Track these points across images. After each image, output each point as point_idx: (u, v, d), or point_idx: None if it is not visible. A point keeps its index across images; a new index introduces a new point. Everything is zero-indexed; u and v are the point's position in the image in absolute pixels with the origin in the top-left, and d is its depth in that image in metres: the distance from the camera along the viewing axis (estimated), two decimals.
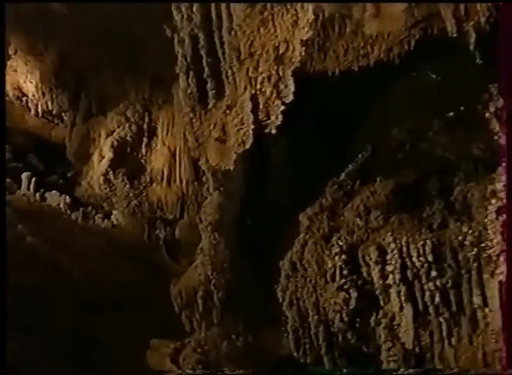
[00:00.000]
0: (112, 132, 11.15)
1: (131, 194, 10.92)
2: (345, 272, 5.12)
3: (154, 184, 10.71)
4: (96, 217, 11.62)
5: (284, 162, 6.72)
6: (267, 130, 4.79)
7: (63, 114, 12.41)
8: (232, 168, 5.72)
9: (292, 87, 4.89)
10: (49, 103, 12.23)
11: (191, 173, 10.48)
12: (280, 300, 5.82)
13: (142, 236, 10.92)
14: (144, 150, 11.04)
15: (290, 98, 4.95)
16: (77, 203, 12.09)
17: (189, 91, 5.99)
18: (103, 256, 9.82)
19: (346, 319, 5.12)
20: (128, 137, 11.04)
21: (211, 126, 5.71)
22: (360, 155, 5.60)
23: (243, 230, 6.77)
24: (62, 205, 11.82)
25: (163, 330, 7.57)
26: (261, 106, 4.92)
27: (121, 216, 11.48)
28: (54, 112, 12.40)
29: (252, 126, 4.94)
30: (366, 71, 5.88)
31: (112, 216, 11.70)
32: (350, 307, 5.00)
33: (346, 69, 6.14)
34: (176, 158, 10.47)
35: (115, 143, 10.94)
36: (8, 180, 11.80)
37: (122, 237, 11.40)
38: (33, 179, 11.77)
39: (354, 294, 5.08)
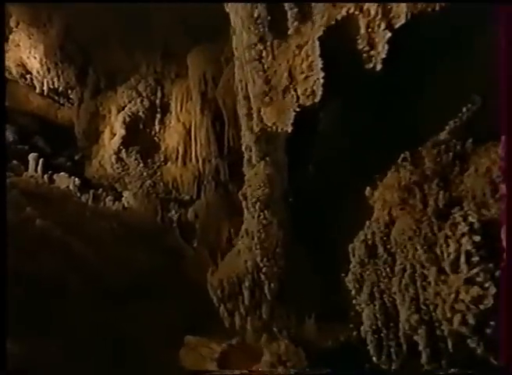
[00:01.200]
0: (123, 108, 10.39)
1: (145, 174, 10.30)
2: (476, 258, 3.80)
3: (168, 163, 10.18)
4: (107, 200, 11.01)
5: (339, 127, 5.70)
6: (370, 65, 3.71)
7: (70, 91, 11.57)
8: (290, 130, 4.71)
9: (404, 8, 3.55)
10: (55, 80, 11.38)
11: (208, 151, 9.92)
12: (353, 292, 4.68)
13: (155, 218, 10.45)
14: (157, 127, 10.37)
15: (402, 20, 3.65)
16: (87, 185, 11.40)
17: (256, 14, 4.60)
18: (116, 240, 9.10)
19: (472, 321, 3.78)
20: (140, 113, 10.31)
21: (283, 66, 4.44)
22: (464, 109, 4.49)
23: (296, 208, 5.72)
24: (71, 187, 11.11)
25: (187, 320, 6.87)
26: (362, 31, 3.83)
27: (132, 198, 10.86)
28: (60, 89, 11.56)
29: (322, 74, 3.83)
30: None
31: (123, 199, 11.11)
32: (482, 306, 3.73)
33: None
34: (191, 136, 9.90)
35: (127, 119, 10.17)
36: (14, 162, 11.13)
37: (135, 219, 10.63)
38: (41, 160, 11.01)
39: (492, 290, 3.69)
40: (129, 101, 10.32)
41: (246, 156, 5.71)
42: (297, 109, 4.46)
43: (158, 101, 10.40)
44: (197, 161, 9.93)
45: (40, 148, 12.42)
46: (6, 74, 11.29)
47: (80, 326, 5.11)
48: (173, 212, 10.57)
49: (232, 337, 5.76)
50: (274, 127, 4.71)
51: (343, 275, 4.70)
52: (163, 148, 10.21)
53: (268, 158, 5.35)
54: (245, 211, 5.69)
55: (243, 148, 5.66)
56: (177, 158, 10.09)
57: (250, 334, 5.63)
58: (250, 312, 5.66)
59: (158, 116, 10.37)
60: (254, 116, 5.10)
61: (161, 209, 10.60)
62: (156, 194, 10.38)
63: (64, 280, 6.00)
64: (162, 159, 10.15)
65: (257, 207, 5.34)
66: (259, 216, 5.43)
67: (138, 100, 10.32)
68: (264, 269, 5.49)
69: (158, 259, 9.33)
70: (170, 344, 5.73)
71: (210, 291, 6.05)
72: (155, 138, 10.22)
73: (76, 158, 12.17)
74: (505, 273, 3.47)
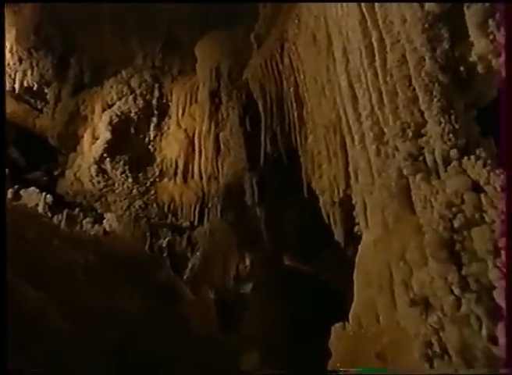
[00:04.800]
0: (110, 106, 8.15)
1: (134, 192, 8.27)
2: None
3: (165, 179, 8.45)
4: (84, 222, 8.64)
5: None
6: None
7: (45, 88, 9.15)
8: None
9: None
10: (28, 72, 8.94)
11: (215, 165, 8.09)
12: None
13: (143, 247, 8.45)
14: (152, 133, 8.53)
15: None
16: (61, 203, 9.03)
17: None
18: (92, 280, 6.72)
19: None
20: (132, 114, 8.31)
21: None
22: None
23: None
24: (40, 206, 8.73)
25: None
26: None
27: (115, 222, 8.67)
28: (35, 87, 9.14)
29: None
30: None
31: (105, 221, 8.77)
32: None
33: None
34: (194, 146, 8.34)
35: (115, 119, 8.02)
36: None
37: (117, 248, 8.25)
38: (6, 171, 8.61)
39: None
40: (119, 99, 8.29)
41: None
42: None
43: (154, 102, 8.59)
44: (201, 178, 8.27)
45: (14, 160, 10.13)
46: None
47: None
48: (165, 239, 8.62)
49: None
50: None
51: None
52: (159, 160, 8.47)
53: None
54: None
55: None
56: (176, 173, 8.40)
57: None
58: None
59: (155, 119, 8.57)
60: None
61: (151, 236, 8.59)
62: (147, 218, 8.26)
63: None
64: (157, 174, 8.38)
65: None
66: None
67: (130, 97, 8.32)
68: None
69: (149, 306, 7.11)
70: None
71: None
72: (150, 147, 8.49)
73: (56, 173, 9.82)
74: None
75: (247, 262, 8.32)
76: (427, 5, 2.89)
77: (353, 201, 3.58)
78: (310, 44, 4.22)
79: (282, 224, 6.49)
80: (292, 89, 4.88)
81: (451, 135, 2.89)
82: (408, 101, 2.94)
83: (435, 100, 2.83)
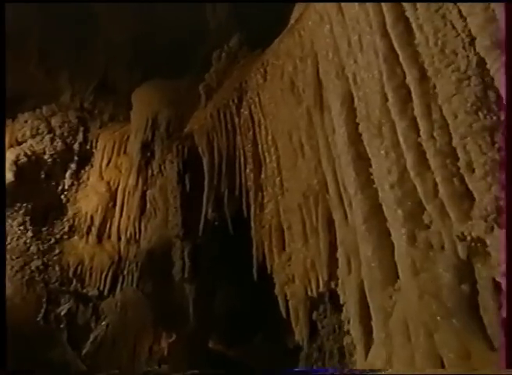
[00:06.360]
0: (21, 143, 6.93)
1: (33, 249, 6.97)
2: None
3: (75, 237, 7.37)
4: None
5: None
6: None
7: None
8: None
9: None
10: None
11: (137, 226, 7.14)
12: None
13: (35, 316, 7.23)
14: (68, 181, 7.48)
15: None
16: None
17: None
18: None
19: None
20: (46, 156, 7.43)
21: None
22: None
23: None
24: None
25: None
26: None
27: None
28: None
29: None
30: None
31: None
32: None
33: None
34: (116, 202, 7.37)
35: (22, 159, 7.02)
36: None
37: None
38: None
39: None
40: (33, 136, 7.24)
41: None
42: None
43: (76, 146, 7.75)
44: (119, 239, 7.24)
45: None
46: None
47: None
48: (64, 307, 7.33)
49: None
50: None
51: None
52: (71, 214, 7.45)
53: None
54: None
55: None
56: (90, 230, 7.31)
57: None
58: None
59: (73, 166, 7.56)
60: None
61: (47, 303, 7.27)
62: (45, 283, 6.96)
63: None
64: (66, 230, 7.31)
65: None
66: None
67: (47, 137, 7.55)
68: None
69: None
70: None
71: None
72: (62, 197, 7.41)
73: None
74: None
75: (163, 344, 7.12)
76: None
77: (342, 301, 2.64)
78: (284, 93, 3.42)
79: (213, 303, 5.39)
80: (249, 146, 4.06)
81: None
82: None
83: None
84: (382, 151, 2.24)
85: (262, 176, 3.78)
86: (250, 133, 4.10)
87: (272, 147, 3.71)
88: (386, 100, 2.34)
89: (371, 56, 2.45)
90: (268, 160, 3.72)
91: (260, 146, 3.91)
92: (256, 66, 4.27)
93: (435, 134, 1.98)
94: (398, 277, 2.19)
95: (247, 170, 4.08)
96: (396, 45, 2.33)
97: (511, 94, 2.16)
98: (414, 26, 2.21)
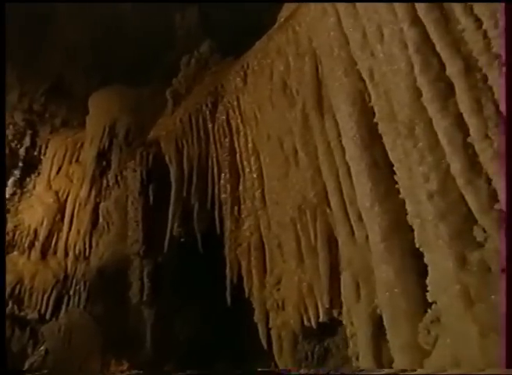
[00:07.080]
0: None
1: None
2: None
3: (14, 253, 6.82)
4: None
5: None
6: None
7: None
8: None
9: None
10: None
11: (87, 242, 6.58)
12: None
13: None
14: (9, 189, 7.11)
15: None
16: None
17: None
18: None
19: None
20: None
21: None
22: None
23: None
24: None
25: None
26: None
27: None
28: None
29: None
30: None
31: None
32: None
33: None
34: (65, 214, 6.88)
35: None
36: None
37: None
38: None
39: None
40: None
41: None
42: None
43: (22, 152, 7.47)
44: (66, 255, 6.68)
45: None
46: None
47: None
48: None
49: None
50: None
51: None
52: (11, 226, 6.93)
53: None
54: None
55: None
56: (33, 245, 6.78)
57: None
58: None
59: (17, 173, 7.17)
60: None
61: None
62: None
63: None
64: (6, 244, 6.75)
65: None
66: None
67: None
68: None
69: None
70: None
71: None
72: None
73: None
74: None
75: (112, 372, 6.53)
76: None
77: (349, 333, 2.24)
78: (274, 95, 3.06)
79: (174, 328, 4.85)
80: (225, 155, 3.67)
81: None
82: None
83: None
84: (416, 155, 1.87)
85: (240, 188, 3.42)
86: (227, 140, 3.74)
87: (252, 156, 3.36)
88: (419, 96, 1.98)
89: (395, 48, 2.08)
90: (247, 170, 3.36)
91: (238, 155, 3.56)
92: (235, 69, 3.95)
93: (489, 134, 1.70)
94: (428, 307, 1.79)
95: (222, 181, 3.72)
96: (431, 33, 1.97)
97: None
98: (458, 9, 1.94)
